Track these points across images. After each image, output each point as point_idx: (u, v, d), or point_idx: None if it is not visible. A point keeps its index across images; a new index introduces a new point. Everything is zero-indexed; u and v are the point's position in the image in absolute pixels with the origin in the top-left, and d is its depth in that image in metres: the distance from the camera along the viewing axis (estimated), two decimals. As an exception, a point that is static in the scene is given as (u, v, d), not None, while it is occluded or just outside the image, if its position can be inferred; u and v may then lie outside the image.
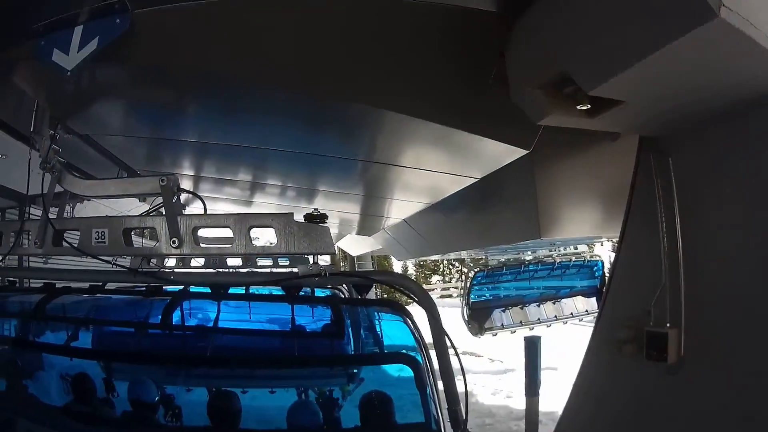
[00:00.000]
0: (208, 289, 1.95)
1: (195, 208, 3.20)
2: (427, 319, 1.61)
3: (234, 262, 4.26)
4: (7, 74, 1.73)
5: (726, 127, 1.38)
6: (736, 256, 1.39)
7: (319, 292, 3.12)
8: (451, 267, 24.46)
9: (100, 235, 1.72)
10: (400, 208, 4.03)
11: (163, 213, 1.72)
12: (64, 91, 1.86)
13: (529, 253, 7.19)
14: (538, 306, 7.43)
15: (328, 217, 1.69)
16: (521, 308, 7.36)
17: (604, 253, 8.12)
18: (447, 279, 24.57)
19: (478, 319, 7.32)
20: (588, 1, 1.21)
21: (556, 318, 7.37)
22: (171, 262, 3.80)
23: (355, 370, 2.18)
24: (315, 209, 1.70)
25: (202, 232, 1.78)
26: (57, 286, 1.93)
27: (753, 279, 1.35)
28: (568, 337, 8.43)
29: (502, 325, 7.27)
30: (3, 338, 2.22)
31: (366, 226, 5.78)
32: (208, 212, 1.94)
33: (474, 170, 2.50)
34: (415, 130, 1.96)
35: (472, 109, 1.81)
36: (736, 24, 0.95)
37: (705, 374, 1.42)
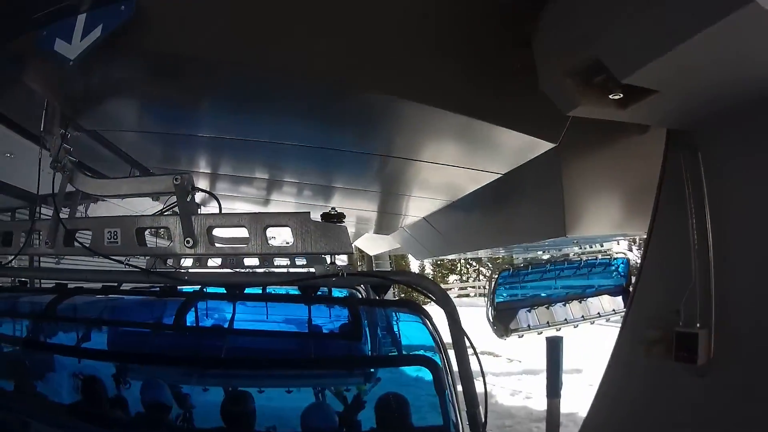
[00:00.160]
0: (222, 290, 1.93)
1: (212, 207, 3.19)
2: (446, 320, 1.59)
3: (251, 261, 4.27)
4: (16, 72, 1.72)
5: (760, 120, 1.32)
6: None
7: (336, 292, 3.13)
8: (468, 266, 24.52)
9: (112, 234, 1.71)
10: (420, 205, 3.98)
11: (177, 212, 1.70)
12: (74, 89, 1.85)
13: (550, 251, 7.05)
14: (564, 305, 7.18)
15: (345, 216, 1.67)
16: (547, 308, 7.16)
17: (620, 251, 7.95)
18: (464, 278, 24.58)
19: (504, 320, 7.09)
20: None
21: (583, 318, 7.13)
22: (188, 262, 3.82)
23: (372, 372, 2.16)
24: (332, 208, 1.68)
25: (217, 232, 1.77)
26: (69, 286, 1.93)
27: None
28: (592, 338, 8.30)
29: (529, 326, 7.04)
30: (15, 339, 2.23)
31: (384, 225, 5.75)
32: (224, 211, 1.92)
33: (498, 165, 2.44)
34: (436, 122, 1.89)
35: (497, 99, 1.74)
36: None
37: (735, 376, 1.38)
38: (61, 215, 1.74)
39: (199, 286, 2.22)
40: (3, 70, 1.75)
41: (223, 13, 1.42)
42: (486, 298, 7.68)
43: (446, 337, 1.69)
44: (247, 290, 1.94)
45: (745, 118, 1.34)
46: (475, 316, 7.20)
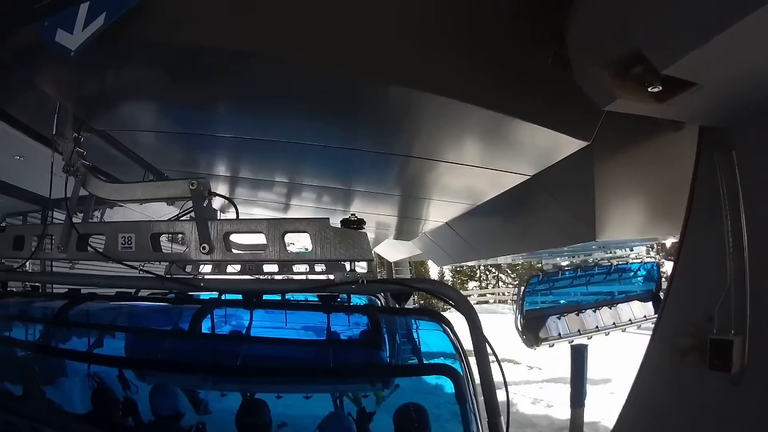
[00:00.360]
0: (239, 296, 1.91)
1: (229, 212, 3.15)
2: (465, 327, 1.60)
3: (270, 268, 4.25)
4: (25, 73, 1.69)
5: None
6: None
7: (356, 299, 3.12)
8: (487, 273, 24.41)
9: (126, 240, 1.70)
10: (442, 210, 3.89)
11: (194, 217, 1.68)
12: (86, 89, 1.82)
13: (574, 256, 6.86)
14: (595, 312, 6.99)
15: (365, 222, 1.64)
16: (577, 314, 6.96)
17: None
18: (484, 285, 24.45)
19: (533, 329, 6.86)
20: None
21: (615, 325, 6.92)
22: (207, 268, 3.80)
23: (392, 381, 2.15)
24: (352, 214, 1.65)
25: (235, 238, 1.74)
26: (82, 291, 1.92)
27: None
28: (619, 345, 8.08)
29: (559, 334, 6.84)
30: (28, 344, 2.23)
31: (404, 230, 5.67)
32: (241, 216, 1.88)
33: (526, 166, 2.34)
34: (461, 119, 1.81)
35: (527, 93, 1.65)
36: None
37: None
38: (74, 219, 1.72)
39: (216, 293, 2.19)
40: (13, 72, 1.73)
41: (238, 0, 1.36)
42: (514, 306, 7.52)
43: (466, 344, 1.68)
44: (266, 297, 1.91)
45: None
46: (494, 323, 7.06)
